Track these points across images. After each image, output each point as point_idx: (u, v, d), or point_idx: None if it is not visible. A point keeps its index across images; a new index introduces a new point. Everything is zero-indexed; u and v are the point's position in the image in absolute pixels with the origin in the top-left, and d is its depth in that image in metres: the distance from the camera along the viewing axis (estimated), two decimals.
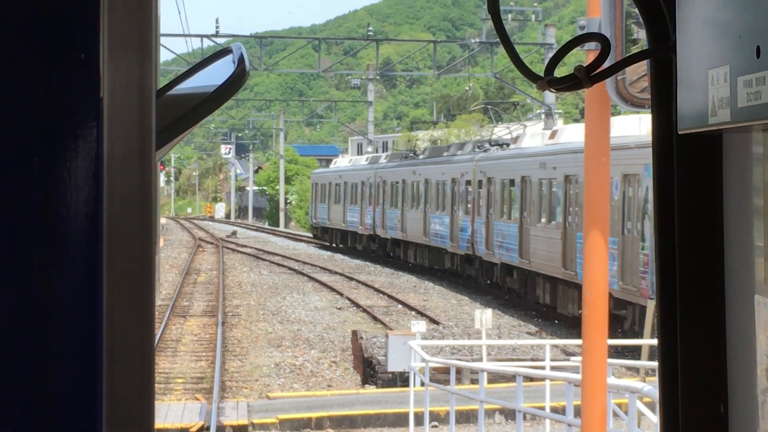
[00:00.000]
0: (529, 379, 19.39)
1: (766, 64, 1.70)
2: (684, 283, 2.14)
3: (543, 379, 17.61)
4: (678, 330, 2.15)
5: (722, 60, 1.84)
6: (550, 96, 47.21)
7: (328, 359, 28.98)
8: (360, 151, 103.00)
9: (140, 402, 1.26)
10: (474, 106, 72.23)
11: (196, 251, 65.27)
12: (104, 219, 1.21)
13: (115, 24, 1.24)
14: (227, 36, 64.67)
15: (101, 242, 1.21)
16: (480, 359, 24.47)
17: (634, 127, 32.12)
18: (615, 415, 14.98)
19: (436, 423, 21.51)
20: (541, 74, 2.08)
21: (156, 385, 1.31)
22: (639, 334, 27.03)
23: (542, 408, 17.43)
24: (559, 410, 17.20)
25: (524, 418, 18.34)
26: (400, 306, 38.61)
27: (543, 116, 49.04)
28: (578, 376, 12.56)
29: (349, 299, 40.27)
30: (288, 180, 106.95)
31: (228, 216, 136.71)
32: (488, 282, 44.01)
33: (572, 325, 32.14)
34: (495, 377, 23.26)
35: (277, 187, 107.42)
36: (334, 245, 71.54)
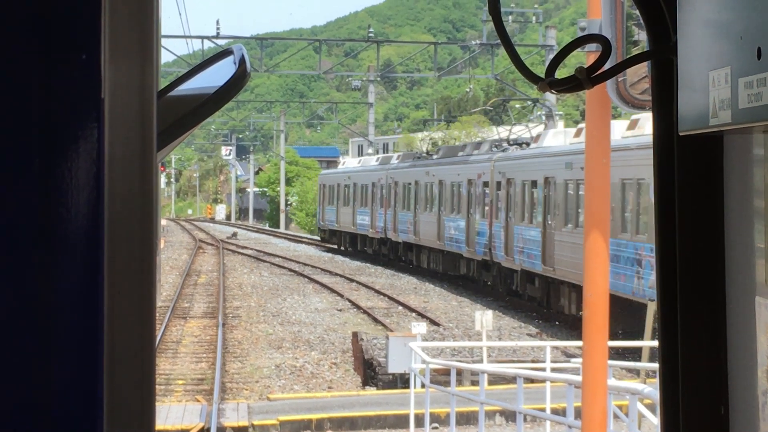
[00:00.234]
0: (530, 380, 19.38)
1: (767, 66, 1.70)
2: (684, 284, 2.14)
3: (543, 380, 17.61)
4: (678, 331, 2.15)
5: (723, 61, 1.84)
6: (551, 97, 47.11)
7: (329, 361, 28.98)
8: (360, 152, 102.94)
9: (141, 402, 1.26)
10: (490, 104, 71.52)
11: (197, 253, 65.26)
12: (105, 220, 1.21)
13: (116, 25, 1.24)
14: (228, 37, 64.72)
15: (102, 243, 1.21)
16: (480, 361, 24.47)
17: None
18: (615, 416, 14.97)
19: (436, 424, 21.50)
20: (542, 76, 2.09)
21: (156, 386, 1.31)
22: (638, 334, 27.04)
23: (543, 410, 17.43)
24: (560, 412, 17.20)
25: (525, 419, 18.34)
26: (400, 307, 38.61)
27: (543, 118, 48.91)
28: (579, 378, 12.56)
29: (350, 301, 40.27)
30: (288, 181, 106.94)
31: (228, 217, 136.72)
32: (507, 290, 41.66)
33: (573, 327, 32.14)
34: (495, 379, 23.25)
35: (278, 188, 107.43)
36: (342, 248, 69.46)
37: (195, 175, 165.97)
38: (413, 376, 20.34)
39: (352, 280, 48.01)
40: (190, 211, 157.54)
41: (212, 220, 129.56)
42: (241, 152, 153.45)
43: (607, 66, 2.07)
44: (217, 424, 21.31)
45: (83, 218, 1.20)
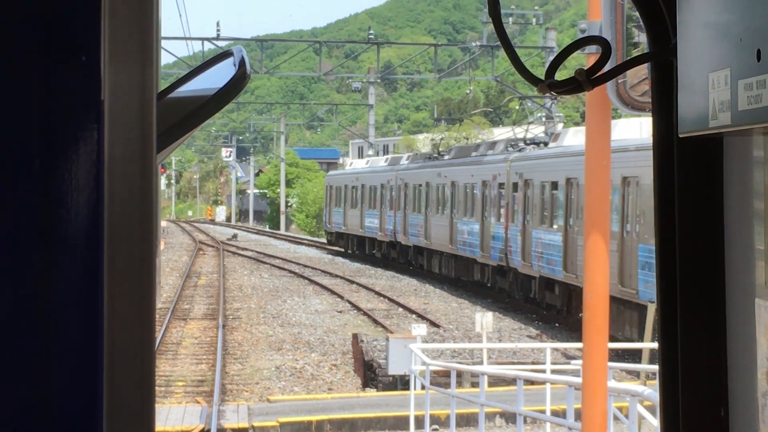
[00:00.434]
0: (530, 382, 19.37)
1: (767, 68, 1.70)
2: (684, 286, 2.14)
3: (544, 382, 17.61)
4: (678, 333, 2.15)
5: (723, 63, 1.84)
6: (545, 99, 47.04)
7: (329, 362, 28.98)
8: (360, 154, 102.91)
9: (141, 403, 1.26)
10: (508, 100, 71.02)
11: (197, 254, 65.27)
12: (105, 221, 1.21)
13: (116, 27, 1.24)
14: (228, 39, 64.74)
15: (102, 244, 1.21)
16: (480, 362, 24.47)
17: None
18: (615, 418, 14.97)
19: (436, 426, 21.50)
20: (542, 77, 2.09)
21: (156, 388, 1.31)
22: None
23: (543, 411, 17.43)
24: (560, 413, 17.20)
25: (525, 421, 18.34)
26: (400, 309, 38.60)
27: (543, 119, 48.81)
28: (579, 380, 12.56)
29: (350, 302, 40.27)
30: (289, 183, 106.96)
31: (229, 219, 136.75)
32: (523, 297, 39.47)
33: (573, 329, 32.13)
34: (495, 380, 23.25)
35: (278, 190, 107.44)
36: (350, 252, 67.33)
37: (195, 176, 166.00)
38: (413, 378, 20.34)
39: (352, 282, 48.00)
40: (190, 213, 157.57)
41: (212, 222, 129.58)
42: (242, 154, 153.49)
43: (607, 68, 2.07)
44: (217, 425, 21.31)
45: (83, 219, 1.20)
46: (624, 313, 29.37)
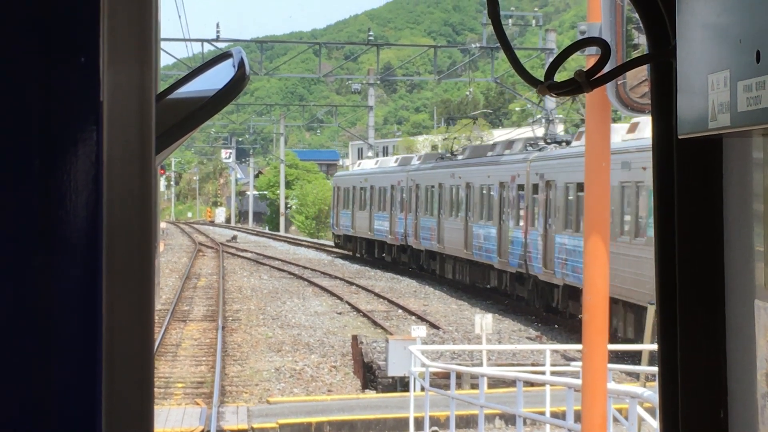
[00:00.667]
0: (530, 384, 19.37)
1: (766, 69, 1.70)
2: (684, 287, 2.14)
3: (543, 384, 17.61)
4: (678, 335, 2.15)
5: (722, 65, 1.84)
6: (550, 101, 47.01)
7: (328, 364, 28.98)
8: (360, 155, 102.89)
9: (140, 404, 1.26)
10: (525, 98, 70.45)
11: (197, 256, 65.27)
12: (104, 222, 1.21)
13: (116, 28, 1.24)
14: (228, 40, 64.75)
15: (101, 245, 1.21)
16: (480, 364, 24.47)
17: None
18: (615, 420, 14.97)
19: (436, 428, 21.49)
20: (542, 79, 2.09)
21: (156, 389, 1.31)
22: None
23: (542, 413, 17.43)
24: (560, 415, 17.20)
25: (524, 423, 18.33)
26: (400, 311, 38.60)
27: (543, 121, 48.74)
28: (578, 381, 12.55)
29: (350, 304, 40.28)
30: (288, 184, 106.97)
31: (228, 220, 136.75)
32: (545, 306, 37.23)
33: (572, 330, 32.13)
34: (495, 382, 23.25)
35: (278, 191, 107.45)
36: (358, 255, 64.93)
37: (195, 178, 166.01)
38: (413, 380, 20.34)
39: (351, 284, 48.00)
40: (189, 214, 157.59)
41: (212, 223, 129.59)
42: (241, 155, 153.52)
43: (606, 69, 2.07)
44: (217, 427, 21.31)
45: (82, 221, 1.20)
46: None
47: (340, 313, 38.28)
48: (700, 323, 2.13)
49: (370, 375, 26.68)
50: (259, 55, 67.76)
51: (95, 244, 1.20)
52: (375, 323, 35.30)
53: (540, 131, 46.07)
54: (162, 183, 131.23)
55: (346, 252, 67.84)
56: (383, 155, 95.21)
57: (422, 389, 19.89)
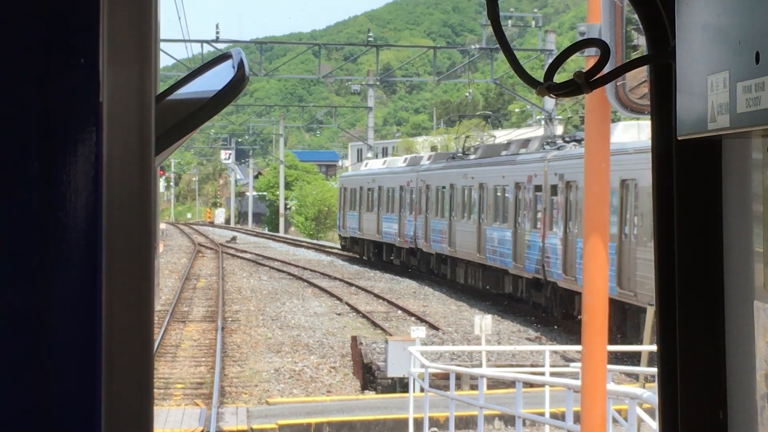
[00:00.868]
0: (529, 385, 19.38)
1: (765, 70, 1.70)
2: (683, 288, 2.14)
3: (542, 385, 17.60)
4: (677, 336, 2.15)
5: (721, 66, 1.84)
6: (550, 102, 46.98)
7: (328, 365, 28.97)
8: (360, 156, 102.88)
9: (139, 405, 1.26)
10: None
11: (196, 256, 65.26)
12: (103, 223, 1.22)
13: (115, 29, 1.24)
14: (227, 41, 64.73)
15: (100, 246, 1.21)
16: (479, 365, 24.47)
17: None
18: (614, 421, 14.97)
19: (435, 429, 21.49)
20: (541, 80, 2.09)
21: (155, 390, 1.31)
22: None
23: (542, 414, 17.43)
24: (559, 416, 17.20)
25: (524, 424, 18.34)
26: (399, 312, 38.60)
27: (543, 122, 48.69)
28: (578, 382, 12.56)
29: (349, 305, 40.27)
30: (288, 185, 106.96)
31: (228, 221, 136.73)
32: (563, 314, 35.44)
33: (572, 331, 32.12)
34: (494, 383, 23.25)
35: (277, 192, 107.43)
36: (365, 258, 62.88)
37: (194, 179, 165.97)
38: (412, 381, 20.34)
39: (351, 284, 47.98)
40: (189, 215, 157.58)
41: (211, 224, 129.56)
42: (241, 156, 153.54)
43: (606, 70, 2.07)
44: (216, 428, 21.31)
45: (82, 222, 1.20)
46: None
47: (339, 314, 38.28)
48: (700, 324, 2.13)
49: (369, 376, 26.67)
50: (258, 56, 67.75)
51: (95, 245, 1.20)
52: (374, 324, 35.29)
53: (540, 131, 46.06)
54: (161, 184, 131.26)
55: (353, 254, 66.32)
56: (383, 156, 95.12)
57: (422, 390, 19.89)
